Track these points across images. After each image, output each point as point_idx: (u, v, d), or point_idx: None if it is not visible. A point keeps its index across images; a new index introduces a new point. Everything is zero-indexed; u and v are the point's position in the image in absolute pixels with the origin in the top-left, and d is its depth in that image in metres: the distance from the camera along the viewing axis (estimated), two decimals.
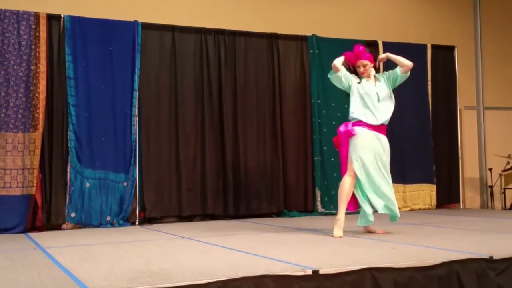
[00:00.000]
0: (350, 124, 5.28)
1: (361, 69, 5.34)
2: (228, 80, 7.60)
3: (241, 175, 7.53)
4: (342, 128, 5.34)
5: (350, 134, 5.23)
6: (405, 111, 8.48)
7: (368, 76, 5.35)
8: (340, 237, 5.05)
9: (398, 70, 5.42)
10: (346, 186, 5.19)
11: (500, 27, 9.96)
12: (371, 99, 5.25)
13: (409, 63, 5.35)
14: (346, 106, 5.47)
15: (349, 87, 5.34)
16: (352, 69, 5.41)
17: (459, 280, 3.54)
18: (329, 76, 5.45)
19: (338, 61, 5.32)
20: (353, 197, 5.31)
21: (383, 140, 5.28)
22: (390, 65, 8.35)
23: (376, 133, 5.23)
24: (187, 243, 5.00)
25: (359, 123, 5.24)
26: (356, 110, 5.28)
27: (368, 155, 5.15)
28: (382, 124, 5.29)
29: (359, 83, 5.32)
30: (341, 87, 5.43)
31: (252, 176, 7.60)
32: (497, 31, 9.92)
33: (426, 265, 3.50)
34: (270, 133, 7.80)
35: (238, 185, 7.50)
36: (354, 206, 5.37)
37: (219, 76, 7.55)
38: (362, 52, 5.37)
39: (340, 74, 5.30)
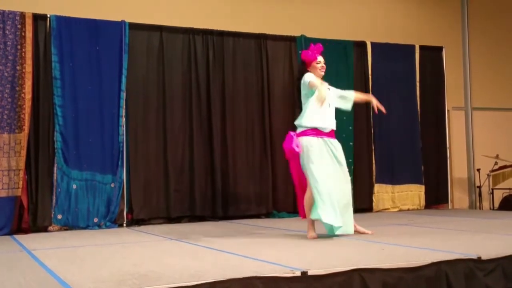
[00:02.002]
0: (295, 139, 5.10)
1: (322, 64, 5.20)
2: (216, 80, 7.57)
3: (230, 176, 7.50)
4: (292, 144, 5.09)
5: (295, 152, 5.07)
6: (393, 112, 8.49)
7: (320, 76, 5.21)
8: (314, 238, 4.99)
9: (349, 103, 5.37)
10: (310, 201, 5.05)
11: (488, 28, 10.02)
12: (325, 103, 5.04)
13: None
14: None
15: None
16: (308, 69, 5.19)
17: (448, 281, 3.54)
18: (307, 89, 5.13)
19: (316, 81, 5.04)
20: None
21: (335, 143, 5.17)
22: (382, 67, 8.43)
23: (326, 138, 5.10)
24: (175, 244, 4.97)
25: (307, 132, 5.09)
26: (310, 115, 5.10)
27: (320, 165, 5.00)
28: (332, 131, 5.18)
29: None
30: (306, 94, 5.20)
31: (241, 177, 7.58)
32: (484, 32, 9.98)
33: (414, 266, 3.50)
34: (258, 134, 7.78)
35: (227, 186, 7.48)
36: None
37: (207, 77, 7.52)
38: (321, 47, 5.22)
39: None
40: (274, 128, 7.83)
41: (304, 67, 5.24)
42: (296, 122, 5.21)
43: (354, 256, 3.92)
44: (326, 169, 5.02)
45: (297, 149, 5.07)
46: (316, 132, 5.10)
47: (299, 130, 5.16)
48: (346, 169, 5.21)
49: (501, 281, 3.71)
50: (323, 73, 5.23)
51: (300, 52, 5.29)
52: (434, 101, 8.94)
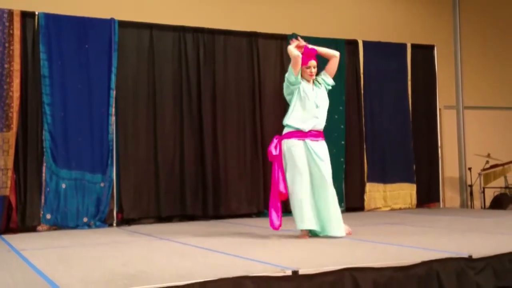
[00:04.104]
0: (275, 142, 5.04)
1: (311, 70, 5.05)
2: (207, 79, 7.53)
3: (221, 175, 7.46)
4: (270, 146, 5.05)
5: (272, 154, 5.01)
6: (385, 111, 8.53)
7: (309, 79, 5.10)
8: (304, 238, 4.96)
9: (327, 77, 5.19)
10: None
11: (479, 26, 10.05)
12: (310, 103, 4.98)
13: (336, 53, 5.17)
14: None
15: (293, 91, 5.04)
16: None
17: (439, 280, 3.54)
18: (288, 78, 5.03)
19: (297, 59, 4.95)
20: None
21: (317, 147, 4.99)
22: (373, 66, 8.43)
23: (308, 140, 4.96)
24: (165, 244, 4.94)
25: (288, 134, 5.00)
26: (294, 116, 5.00)
27: (303, 169, 4.91)
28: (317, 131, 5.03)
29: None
30: (288, 91, 5.09)
31: (232, 176, 7.54)
32: (476, 31, 10.00)
33: (405, 265, 3.49)
34: (250, 133, 7.75)
35: (218, 185, 7.44)
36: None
37: (198, 75, 7.48)
38: (315, 51, 5.09)
39: (299, 79, 5.00)
40: (265, 127, 7.79)
41: None
42: (283, 122, 5.13)
43: (345, 255, 3.92)
44: (302, 174, 4.92)
45: (273, 152, 5.00)
46: (298, 134, 4.98)
47: (284, 131, 5.09)
48: (327, 173, 4.97)
49: (492, 279, 3.73)
50: (312, 78, 5.10)
51: None
52: (426, 100, 8.94)
